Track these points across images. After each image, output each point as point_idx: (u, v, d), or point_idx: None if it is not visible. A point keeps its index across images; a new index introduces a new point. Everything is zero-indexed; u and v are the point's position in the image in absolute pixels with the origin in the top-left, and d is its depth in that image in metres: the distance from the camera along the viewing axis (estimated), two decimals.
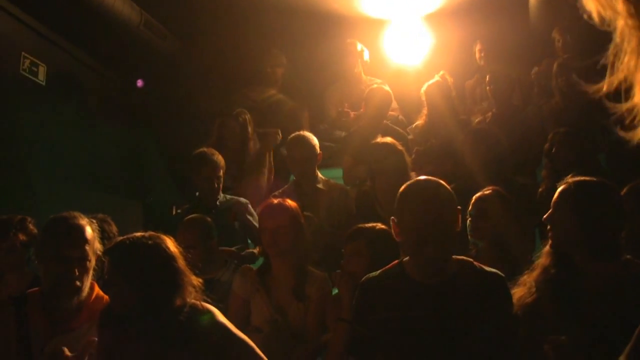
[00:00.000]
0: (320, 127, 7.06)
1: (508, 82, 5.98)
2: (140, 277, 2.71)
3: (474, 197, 4.01)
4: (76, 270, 3.01)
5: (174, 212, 6.34)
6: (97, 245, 3.13)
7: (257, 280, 3.87)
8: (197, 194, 5.65)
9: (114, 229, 4.49)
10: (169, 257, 2.77)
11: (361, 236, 3.69)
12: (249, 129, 6.37)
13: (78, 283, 3.03)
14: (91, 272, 3.11)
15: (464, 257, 2.88)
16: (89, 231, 3.09)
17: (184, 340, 2.67)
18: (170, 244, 2.82)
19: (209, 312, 2.80)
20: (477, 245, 4.01)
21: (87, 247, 3.05)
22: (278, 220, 3.84)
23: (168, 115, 7.64)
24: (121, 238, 2.82)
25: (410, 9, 7.68)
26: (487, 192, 4.00)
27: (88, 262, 3.06)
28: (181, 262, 2.81)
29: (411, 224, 2.74)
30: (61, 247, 3.01)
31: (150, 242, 2.76)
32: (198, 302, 2.80)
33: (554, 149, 4.90)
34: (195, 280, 2.83)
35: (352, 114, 6.59)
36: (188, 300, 2.77)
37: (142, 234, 2.81)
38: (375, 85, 6.41)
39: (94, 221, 3.23)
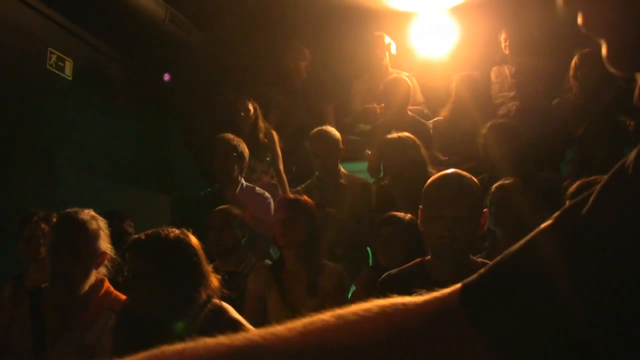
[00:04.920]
0: (345, 120, 7.04)
1: (533, 75, 5.90)
2: (165, 274, 2.69)
3: (494, 186, 3.98)
4: (73, 265, 3.03)
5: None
6: (104, 242, 3.14)
7: (270, 276, 3.87)
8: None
9: (131, 227, 4.52)
10: (193, 253, 2.76)
11: (398, 221, 3.75)
12: (259, 116, 6.33)
13: (73, 277, 3.05)
14: (93, 268, 3.12)
15: (485, 260, 2.86)
16: (91, 226, 3.09)
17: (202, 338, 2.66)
18: (194, 240, 2.82)
19: (226, 309, 2.80)
20: (495, 235, 3.98)
21: (86, 242, 3.06)
22: (289, 211, 3.87)
23: (194, 108, 7.65)
24: (145, 233, 2.80)
25: (436, 1, 7.63)
26: (508, 181, 3.98)
27: (87, 257, 3.08)
28: (204, 259, 2.81)
29: (434, 213, 2.73)
30: (58, 241, 3.04)
31: (174, 237, 2.75)
32: (216, 300, 2.81)
33: (587, 137, 4.81)
34: (215, 278, 2.84)
35: (378, 108, 6.57)
36: (208, 297, 2.78)
37: (166, 228, 2.80)
38: (393, 76, 6.38)
39: (103, 218, 3.23)
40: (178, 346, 0.75)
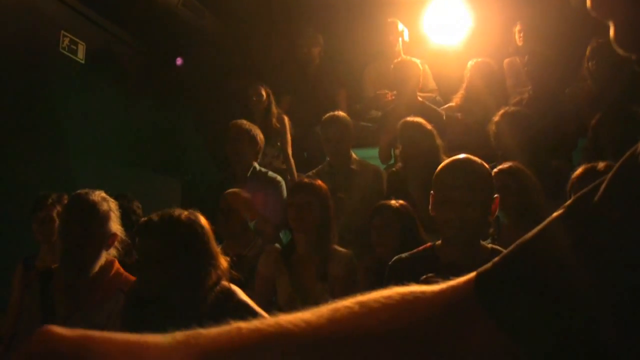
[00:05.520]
0: (357, 106, 7.03)
1: (546, 64, 5.87)
2: (176, 255, 2.69)
3: (493, 171, 3.96)
4: (84, 246, 3.04)
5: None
6: (114, 224, 3.15)
7: (281, 260, 3.88)
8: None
9: (139, 209, 4.54)
10: (203, 234, 2.76)
11: (387, 209, 3.74)
12: (271, 102, 6.32)
13: (84, 258, 3.06)
14: (103, 249, 3.13)
15: (495, 246, 2.85)
16: (102, 208, 3.10)
17: (211, 320, 2.66)
18: (204, 221, 2.81)
19: (234, 292, 2.80)
20: (499, 221, 3.97)
21: (97, 223, 3.06)
22: (305, 196, 3.86)
23: (206, 93, 7.66)
24: (155, 214, 2.79)
25: None
26: (507, 166, 3.96)
27: (98, 238, 3.09)
28: (213, 241, 2.81)
29: (445, 198, 2.73)
30: (69, 222, 3.05)
31: (184, 218, 2.75)
32: (225, 282, 2.81)
33: (600, 126, 4.79)
34: (224, 260, 2.84)
35: (390, 94, 6.55)
36: (218, 279, 2.78)
37: (176, 209, 2.79)
38: (402, 58, 6.35)
39: (114, 200, 3.24)
40: (213, 331, 0.76)
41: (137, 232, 2.81)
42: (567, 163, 5.22)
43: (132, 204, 4.57)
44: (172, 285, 2.69)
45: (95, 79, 6.54)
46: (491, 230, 3.94)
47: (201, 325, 0.78)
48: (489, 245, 2.85)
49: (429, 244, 2.94)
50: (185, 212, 2.78)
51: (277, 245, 4.31)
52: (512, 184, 3.85)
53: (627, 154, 0.80)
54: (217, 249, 2.81)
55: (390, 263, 2.95)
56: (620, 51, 0.71)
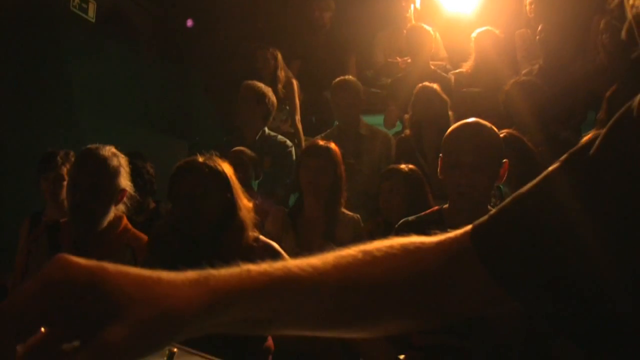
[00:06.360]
0: (367, 73, 7.01)
1: (559, 35, 5.82)
2: (213, 194, 2.82)
3: None
4: (93, 200, 3.05)
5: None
6: (124, 180, 3.15)
7: (288, 220, 3.88)
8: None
9: (152, 168, 4.56)
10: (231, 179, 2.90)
11: (397, 174, 3.74)
12: (280, 65, 6.29)
13: (92, 212, 3.07)
14: (112, 205, 3.14)
15: None
16: (112, 163, 3.09)
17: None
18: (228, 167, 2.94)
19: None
20: (503, 192, 3.97)
21: (107, 178, 3.06)
22: (320, 160, 3.83)
23: (216, 55, 7.63)
24: (192, 157, 2.92)
25: None
26: (503, 133, 3.95)
27: (107, 193, 3.09)
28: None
29: (453, 161, 2.73)
30: (79, 176, 3.05)
31: (215, 165, 2.86)
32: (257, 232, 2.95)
33: (616, 97, 4.76)
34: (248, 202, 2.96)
35: (401, 62, 6.53)
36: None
37: (206, 155, 2.92)
38: (415, 24, 6.32)
39: (125, 156, 3.24)
40: (223, 271, 0.77)
41: (179, 171, 2.90)
42: (576, 135, 5.21)
43: (146, 164, 4.58)
44: (207, 222, 2.82)
45: (105, 38, 6.52)
46: (493, 200, 3.95)
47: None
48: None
49: (436, 207, 2.94)
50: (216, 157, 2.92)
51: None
52: (510, 152, 3.84)
53: (623, 108, 0.81)
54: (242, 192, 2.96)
55: (396, 226, 2.95)
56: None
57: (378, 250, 0.89)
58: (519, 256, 0.83)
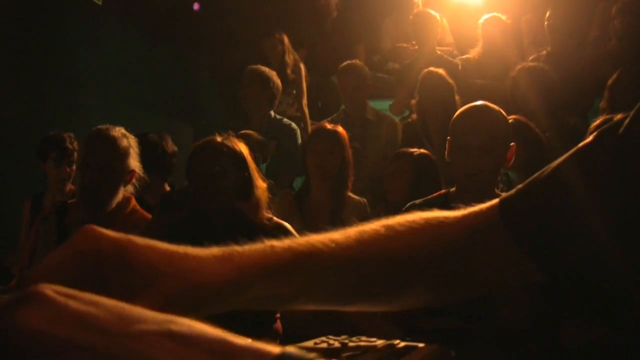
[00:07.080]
0: (374, 58, 6.99)
1: (568, 21, 5.79)
2: (233, 171, 2.90)
3: None
4: (102, 181, 3.06)
5: None
6: (133, 161, 3.16)
7: (294, 203, 3.89)
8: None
9: (170, 146, 4.49)
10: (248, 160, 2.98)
11: (405, 157, 3.74)
12: (288, 50, 6.28)
13: (101, 193, 3.08)
14: (121, 185, 3.15)
15: None
16: (122, 144, 3.10)
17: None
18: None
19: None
20: (511, 178, 3.97)
21: (116, 159, 3.07)
22: (327, 144, 3.83)
23: (223, 39, 7.62)
24: (205, 139, 2.99)
25: None
26: (510, 119, 3.94)
27: (116, 174, 3.10)
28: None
29: (461, 143, 2.73)
30: (88, 156, 3.06)
31: (232, 144, 2.94)
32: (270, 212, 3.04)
33: (618, 85, 4.74)
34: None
35: (409, 46, 6.52)
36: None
37: (224, 135, 2.99)
38: (420, 9, 6.30)
39: (134, 137, 3.24)
40: (247, 248, 0.77)
41: (199, 149, 2.96)
42: (584, 122, 5.19)
43: (162, 142, 4.50)
44: (227, 198, 2.90)
45: (112, 20, 6.52)
46: (501, 186, 3.95)
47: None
48: (504, 194, 2.84)
49: (443, 190, 2.95)
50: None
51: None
52: (517, 138, 3.83)
53: None
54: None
55: (403, 209, 2.95)
56: None
57: (400, 224, 0.89)
58: (549, 230, 0.83)
